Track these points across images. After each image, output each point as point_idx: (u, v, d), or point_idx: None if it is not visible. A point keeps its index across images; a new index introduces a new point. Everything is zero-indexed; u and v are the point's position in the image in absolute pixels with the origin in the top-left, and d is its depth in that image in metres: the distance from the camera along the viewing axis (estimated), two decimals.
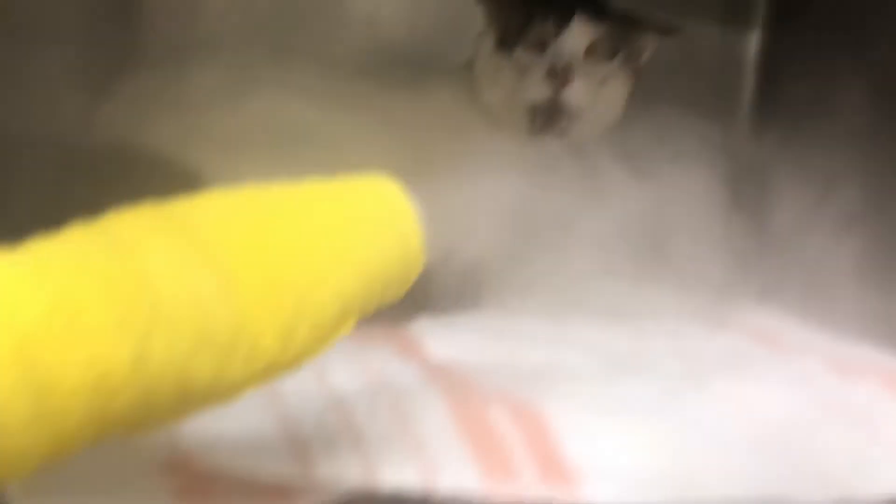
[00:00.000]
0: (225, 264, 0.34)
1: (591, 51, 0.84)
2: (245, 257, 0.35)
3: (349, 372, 0.52)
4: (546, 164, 0.89)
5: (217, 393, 0.34)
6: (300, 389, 0.49)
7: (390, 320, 0.62)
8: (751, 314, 0.78)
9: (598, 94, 0.85)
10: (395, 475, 0.43)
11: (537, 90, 0.83)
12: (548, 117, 0.84)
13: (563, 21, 0.83)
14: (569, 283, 0.79)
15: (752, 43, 1.32)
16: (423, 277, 0.66)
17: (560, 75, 0.81)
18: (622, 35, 0.86)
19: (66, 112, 0.71)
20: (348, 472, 0.43)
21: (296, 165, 0.71)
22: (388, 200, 0.45)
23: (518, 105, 0.85)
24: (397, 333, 0.59)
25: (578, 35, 0.83)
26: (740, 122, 1.29)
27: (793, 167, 0.88)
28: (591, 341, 0.64)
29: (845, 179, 0.85)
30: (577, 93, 0.82)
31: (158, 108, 0.71)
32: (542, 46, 0.84)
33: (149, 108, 0.71)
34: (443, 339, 0.58)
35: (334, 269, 0.38)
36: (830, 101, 1.10)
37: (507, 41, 0.86)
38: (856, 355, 0.67)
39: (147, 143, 0.66)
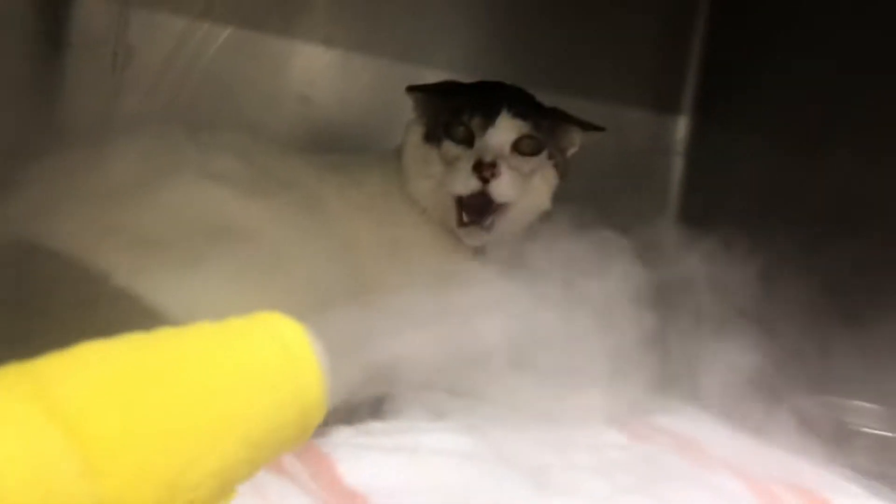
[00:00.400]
0: (89, 446, 0.31)
1: (517, 145, 0.85)
2: (111, 436, 0.32)
3: None
4: (467, 263, 0.90)
5: None
6: None
7: None
8: (674, 418, 0.77)
9: (524, 188, 0.85)
10: None
11: (464, 183, 0.82)
12: (474, 210, 0.84)
13: (490, 116, 0.84)
14: (489, 389, 0.79)
15: (681, 127, 1.37)
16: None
17: (486, 169, 0.81)
18: (548, 130, 0.87)
19: None
20: None
21: (211, 264, 0.70)
22: (286, 347, 0.41)
23: (445, 197, 0.85)
24: (306, 450, 0.56)
25: (505, 130, 0.84)
26: (669, 207, 1.33)
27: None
28: (515, 456, 0.62)
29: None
30: (503, 186, 0.82)
31: (66, 198, 0.67)
32: (469, 140, 0.85)
33: (56, 198, 0.67)
34: (356, 459, 0.55)
35: (217, 443, 0.35)
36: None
37: (435, 133, 0.87)
38: (771, 466, 0.67)
39: (51, 239, 0.63)
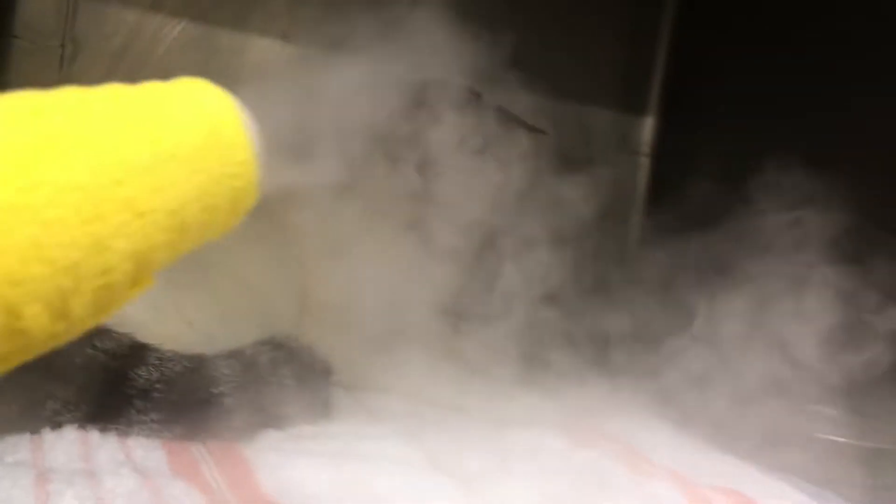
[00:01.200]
0: None
1: (461, 144, 0.83)
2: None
3: None
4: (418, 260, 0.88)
5: None
6: None
7: (225, 434, 0.58)
8: (621, 423, 0.76)
9: (468, 186, 0.84)
10: None
11: (407, 181, 0.81)
12: (419, 207, 0.83)
13: (432, 113, 0.82)
14: (433, 390, 0.77)
15: (647, 128, 1.36)
16: (270, 386, 0.64)
17: (430, 168, 0.80)
18: (489, 130, 0.86)
19: None
20: None
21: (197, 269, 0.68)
22: (213, 120, 0.35)
23: (389, 195, 0.83)
24: (228, 456, 0.54)
25: (448, 128, 0.82)
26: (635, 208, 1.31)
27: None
28: (450, 462, 0.61)
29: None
30: (446, 185, 0.81)
31: None
32: (411, 138, 0.83)
33: None
34: (277, 466, 0.53)
35: (131, 222, 0.30)
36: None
37: (382, 132, 0.85)
38: (714, 472, 0.66)
39: None
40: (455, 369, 0.81)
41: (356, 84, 0.91)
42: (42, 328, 0.29)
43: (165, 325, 0.63)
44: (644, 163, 1.36)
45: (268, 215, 0.81)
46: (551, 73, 1.23)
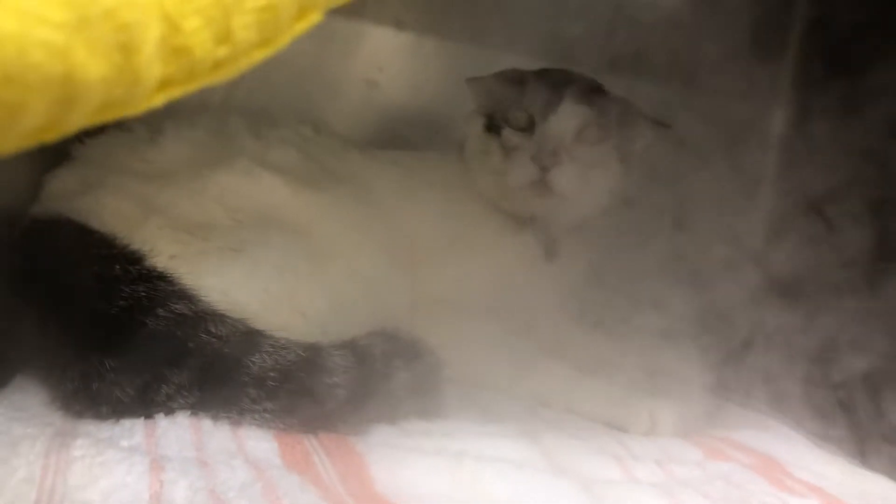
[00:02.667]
0: None
1: (581, 134, 0.79)
2: None
3: None
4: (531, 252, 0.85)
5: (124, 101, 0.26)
6: None
7: (338, 426, 0.56)
8: (754, 434, 0.70)
9: (586, 177, 0.79)
10: None
11: (524, 171, 0.77)
12: (535, 200, 0.79)
13: (553, 102, 0.78)
14: (551, 391, 0.73)
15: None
16: (384, 378, 0.61)
17: (547, 156, 0.76)
18: (615, 121, 0.81)
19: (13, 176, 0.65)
20: None
21: (254, 252, 0.66)
22: None
23: (505, 187, 0.80)
24: (341, 450, 0.52)
25: (568, 117, 0.78)
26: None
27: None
28: (571, 467, 0.57)
29: None
30: (564, 175, 0.77)
31: (114, 176, 0.65)
32: (530, 128, 0.79)
33: (103, 175, 0.65)
34: (392, 462, 0.51)
35: None
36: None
37: (495, 122, 0.82)
38: (857, 493, 0.60)
39: (92, 216, 0.60)
40: (570, 371, 0.77)
41: (470, 71, 0.88)
42: (204, 48, 0.27)
43: (279, 314, 0.62)
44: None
45: (378, 207, 0.79)
46: (678, 64, 1.17)
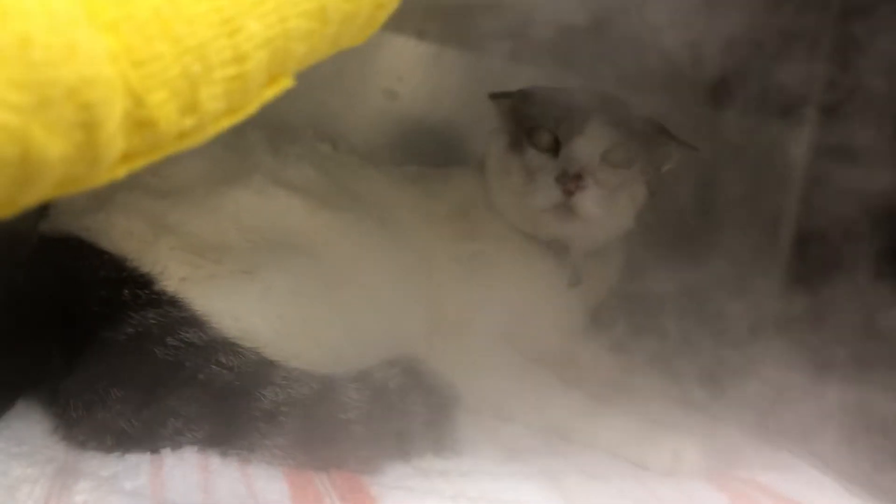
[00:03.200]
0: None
1: (607, 156, 0.77)
2: None
3: None
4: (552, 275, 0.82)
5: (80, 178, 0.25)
6: None
7: (351, 465, 0.53)
8: (781, 477, 0.68)
9: (611, 201, 0.77)
10: None
11: (547, 195, 0.75)
12: (557, 223, 0.77)
13: (579, 123, 0.76)
14: (572, 426, 0.71)
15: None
16: (399, 414, 0.58)
17: (571, 181, 0.73)
18: (642, 142, 0.78)
19: None
20: None
21: (268, 274, 0.64)
22: None
23: (527, 209, 0.77)
24: (355, 494, 0.50)
25: (593, 139, 0.76)
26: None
27: None
28: None
29: None
30: (589, 199, 0.74)
31: (125, 193, 0.63)
32: (554, 149, 0.77)
33: (113, 192, 0.63)
34: None
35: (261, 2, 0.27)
36: None
37: (518, 141, 0.80)
38: None
39: (101, 236, 0.58)
40: (591, 402, 0.74)
41: (491, 85, 0.86)
42: (170, 120, 0.26)
43: (292, 341, 0.59)
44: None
45: (395, 227, 0.77)
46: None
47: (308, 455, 0.52)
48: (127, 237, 0.60)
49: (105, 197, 0.64)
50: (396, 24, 1.01)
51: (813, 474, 0.72)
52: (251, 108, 0.30)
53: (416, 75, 1.02)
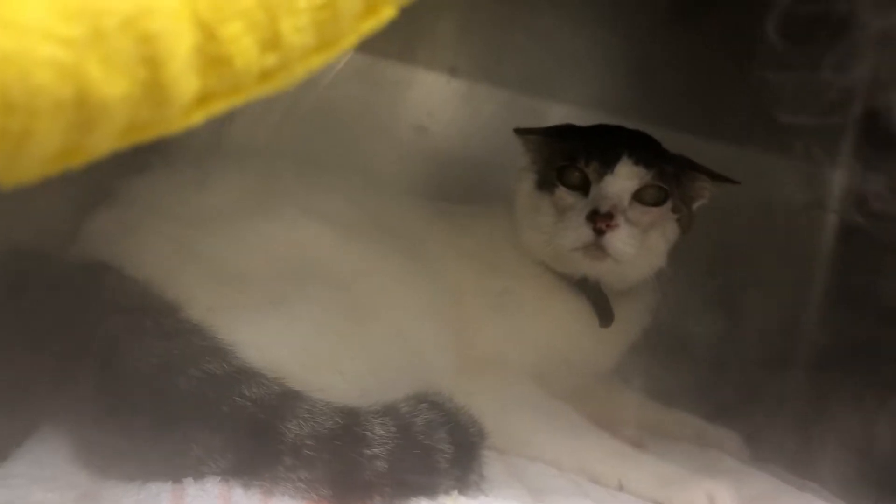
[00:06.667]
0: None
1: (638, 195, 0.76)
2: None
3: None
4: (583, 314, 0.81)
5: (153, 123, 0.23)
6: None
7: (375, 500, 0.52)
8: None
9: (643, 240, 0.76)
10: None
11: (577, 234, 0.74)
12: (588, 262, 0.76)
13: (609, 161, 0.75)
14: (599, 467, 0.69)
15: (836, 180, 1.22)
16: (425, 450, 0.57)
17: (602, 220, 0.72)
18: (674, 180, 0.77)
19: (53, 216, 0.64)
20: None
21: (295, 306, 0.63)
22: None
23: (557, 248, 0.76)
24: None
25: (625, 178, 0.75)
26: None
27: None
28: None
29: None
30: (619, 240, 0.73)
31: (155, 219, 0.64)
32: (584, 187, 0.76)
33: (144, 218, 0.64)
34: None
35: None
36: None
37: (548, 179, 0.79)
38: None
39: (130, 261, 0.58)
40: (621, 444, 0.73)
41: (522, 121, 0.85)
42: (248, 57, 0.24)
43: (317, 373, 0.59)
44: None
45: (424, 261, 0.76)
46: (727, 118, 1.14)
47: (332, 489, 0.51)
48: (154, 263, 0.60)
49: (134, 223, 0.64)
50: (428, 60, 1.03)
51: None
52: (347, 42, 0.27)
53: (446, 111, 1.03)
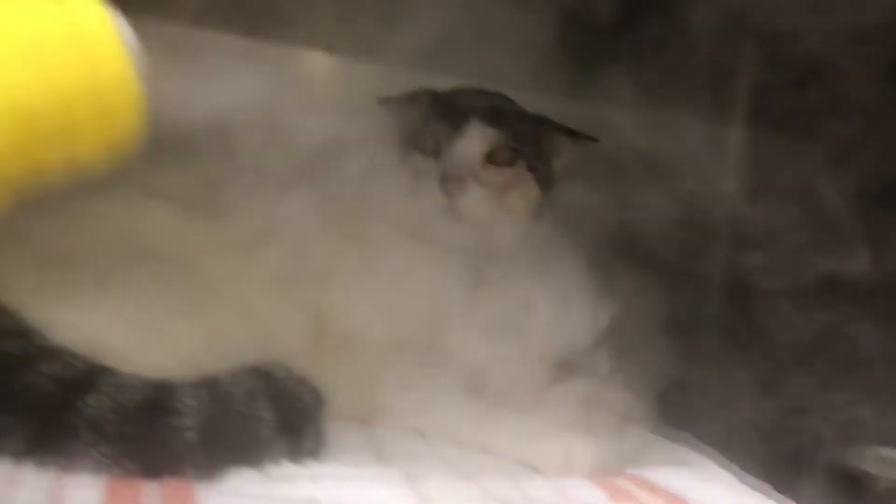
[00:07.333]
0: None
1: (490, 157, 0.75)
2: None
3: None
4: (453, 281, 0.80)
5: None
6: None
7: (188, 472, 0.51)
8: (672, 473, 0.66)
9: (500, 203, 0.75)
10: None
11: (431, 199, 0.73)
12: (446, 227, 0.75)
13: (459, 124, 0.75)
14: (450, 426, 0.69)
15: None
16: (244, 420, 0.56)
17: (452, 184, 0.72)
18: (529, 140, 0.77)
19: None
20: None
21: (125, 288, 0.63)
22: (74, 9, 0.33)
23: (415, 216, 0.76)
24: (178, 497, 0.47)
25: (474, 140, 0.75)
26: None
27: None
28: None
29: None
30: (472, 202, 0.73)
31: None
32: (438, 152, 0.76)
33: None
34: None
35: None
36: None
37: (405, 147, 0.78)
38: None
39: None
40: (490, 407, 0.72)
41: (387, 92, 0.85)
42: None
43: (147, 351, 0.58)
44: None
45: (281, 236, 0.75)
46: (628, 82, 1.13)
47: (138, 464, 0.50)
48: None
49: None
50: (307, 39, 1.01)
51: (712, 470, 0.70)
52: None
53: (322, 88, 1.02)
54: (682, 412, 0.80)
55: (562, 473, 0.64)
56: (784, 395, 0.76)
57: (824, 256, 0.73)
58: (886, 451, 0.73)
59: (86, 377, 0.51)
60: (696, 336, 0.90)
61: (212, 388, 0.54)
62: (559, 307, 0.79)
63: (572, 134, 0.80)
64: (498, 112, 0.77)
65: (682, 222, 0.81)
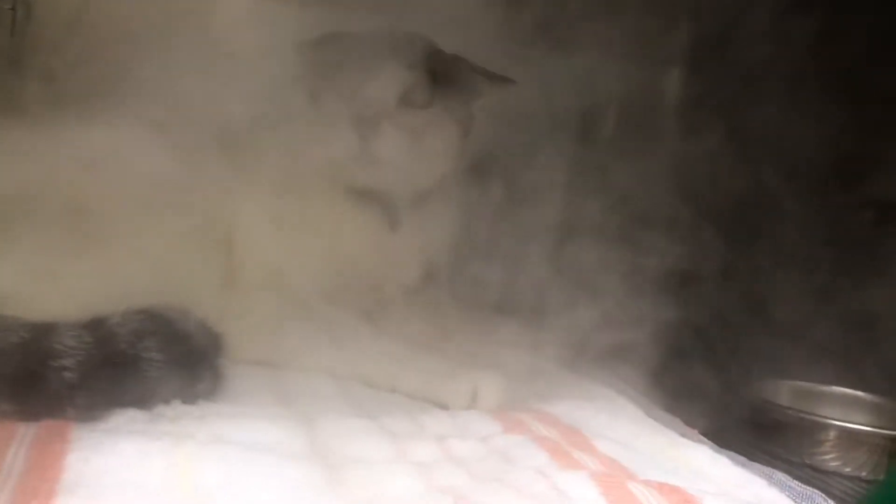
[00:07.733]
0: None
1: (406, 98, 0.74)
2: None
3: None
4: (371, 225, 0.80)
5: None
6: None
7: (69, 413, 0.51)
8: (572, 406, 0.66)
9: (416, 145, 0.75)
10: None
11: (346, 142, 0.73)
12: (362, 170, 0.74)
13: (372, 67, 0.73)
14: (368, 362, 0.70)
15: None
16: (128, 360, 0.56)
17: (367, 126, 0.71)
18: (446, 81, 0.76)
19: None
20: None
21: (15, 228, 0.62)
22: None
23: (330, 159, 0.75)
24: (51, 439, 0.47)
25: (387, 82, 0.74)
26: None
27: None
28: (332, 447, 0.52)
29: None
30: (387, 144, 0.72)
31: None
32: (350, 94, 0.75)
33: None
34: (100, 448, 0.45)
35: None
36: None
37: (320, 90, 0.77)
38: (659, 465, 0.56)
39: None
40: (400, 349, 0.73)
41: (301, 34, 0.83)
42: None
43: (39, 295, 0.58)
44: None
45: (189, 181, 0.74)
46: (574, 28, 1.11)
47: (14, 404, 0.50)
48: None
49: None
50: None
51: (619, 404, 0.71)
52: None
53: (245, 29, 0.99)
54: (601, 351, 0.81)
55: (468, 409, 0.65)
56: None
57: None
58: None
59: None
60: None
61: (95, 329, 0.54)
62: None
63: (490, 75, 0.79)
64: (413, 53, 0.76)
65: None
